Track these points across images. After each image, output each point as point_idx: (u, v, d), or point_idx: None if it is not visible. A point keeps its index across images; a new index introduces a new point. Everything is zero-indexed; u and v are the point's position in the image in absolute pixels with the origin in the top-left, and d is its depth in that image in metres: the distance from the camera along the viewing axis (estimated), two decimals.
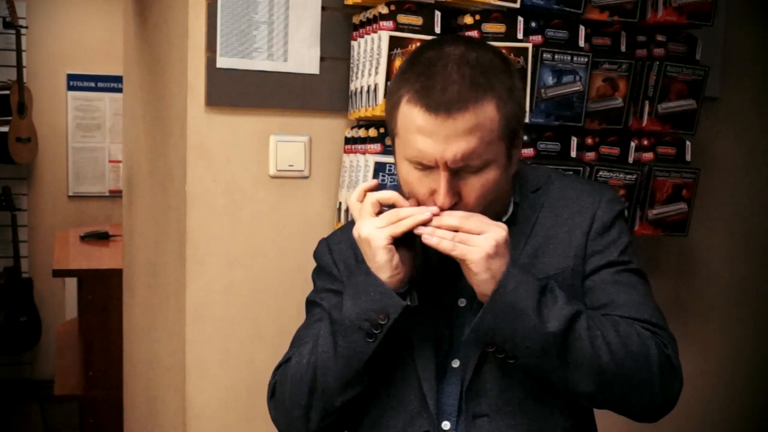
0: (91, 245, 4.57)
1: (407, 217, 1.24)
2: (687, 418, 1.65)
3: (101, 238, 4.66)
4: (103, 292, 3.85)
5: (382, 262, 1.25)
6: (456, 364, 1.33)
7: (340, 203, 1.99)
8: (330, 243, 1.46)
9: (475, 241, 1.21)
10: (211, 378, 2.00)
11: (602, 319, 1.25)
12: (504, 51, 1.56)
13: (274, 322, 1.99)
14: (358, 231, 1.28)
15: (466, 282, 1.25)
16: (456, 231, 1.22)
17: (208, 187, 1.95)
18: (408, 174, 1.28)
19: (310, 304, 1.43)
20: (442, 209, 1.24)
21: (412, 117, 1.24)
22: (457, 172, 1.24)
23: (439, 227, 1.23)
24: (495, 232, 1.22)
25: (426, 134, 1.22)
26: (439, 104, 1.21)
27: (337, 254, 1.43)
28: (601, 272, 1.33)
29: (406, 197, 1.29)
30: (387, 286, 1.25)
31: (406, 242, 1.26)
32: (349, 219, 1.78)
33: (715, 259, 2.53)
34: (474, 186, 1.25)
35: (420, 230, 1.24)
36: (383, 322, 1.25)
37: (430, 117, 1.21)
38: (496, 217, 1.29)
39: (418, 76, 1.24)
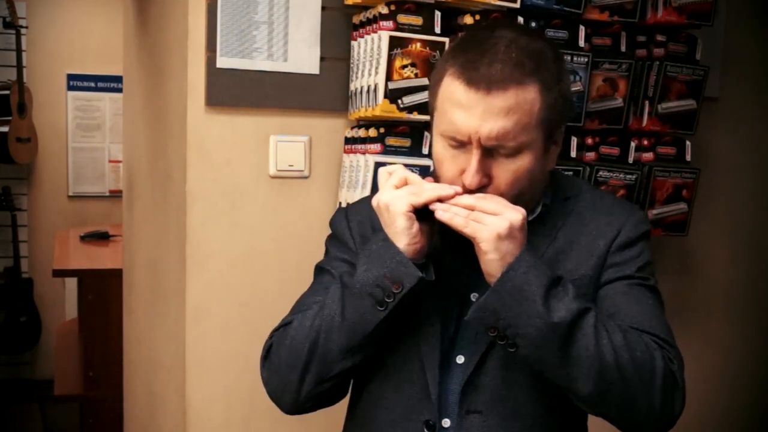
0: (91, 245, 4.57)
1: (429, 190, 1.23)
2: (687, 419, 1.64)
3: (101, 238, 4.66)
4: (103, 292, 3.85)
5: (401, 229, 1.23)
6: (461, 360, 1.31)
7: (340, 203, 1.99)
8: (348, 213, 1.45)
9: (489, 220, 1.19)
10: (211, 378, 2.00)
11: (611, 323, 1.22)
12: None
13: (274, 322, 1.96)
14: (377, 199, 1.26)
15: (480, 276, 1.23)
16: (472, 210, 1.21)
17: (208, 187, 1.95)
18: (441, 151, 1.28)
19: (320, 270, 1.41)
20: (469, 190, 1.22)
21: (452, 90, 1.24)
22: (490, 152, 1.23)
23: (455, 205, 1.21)
24: (511, 214, 1.20)
25: (463, 108, 1.22)
26: (480, 80, 1.21)
27: (355, 225, 1.41)
28: (615, 283, 1.31)
29: (437, 179, 1.28)
30: (404, 255, 1.23)
31: (427, 221, 1.25)
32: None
33: (715, 259, 2.53)
34: (506, 170, 1.24)
35: (435, 205, 1.22)
36: (396, 291, 1.23)
37: (469, 91, 1.21)
38: None
39: (466, 52, 1.25)
